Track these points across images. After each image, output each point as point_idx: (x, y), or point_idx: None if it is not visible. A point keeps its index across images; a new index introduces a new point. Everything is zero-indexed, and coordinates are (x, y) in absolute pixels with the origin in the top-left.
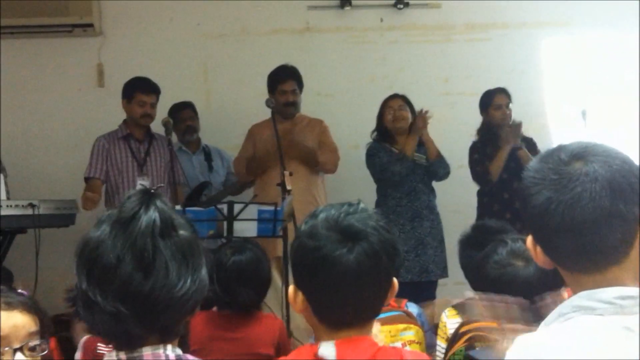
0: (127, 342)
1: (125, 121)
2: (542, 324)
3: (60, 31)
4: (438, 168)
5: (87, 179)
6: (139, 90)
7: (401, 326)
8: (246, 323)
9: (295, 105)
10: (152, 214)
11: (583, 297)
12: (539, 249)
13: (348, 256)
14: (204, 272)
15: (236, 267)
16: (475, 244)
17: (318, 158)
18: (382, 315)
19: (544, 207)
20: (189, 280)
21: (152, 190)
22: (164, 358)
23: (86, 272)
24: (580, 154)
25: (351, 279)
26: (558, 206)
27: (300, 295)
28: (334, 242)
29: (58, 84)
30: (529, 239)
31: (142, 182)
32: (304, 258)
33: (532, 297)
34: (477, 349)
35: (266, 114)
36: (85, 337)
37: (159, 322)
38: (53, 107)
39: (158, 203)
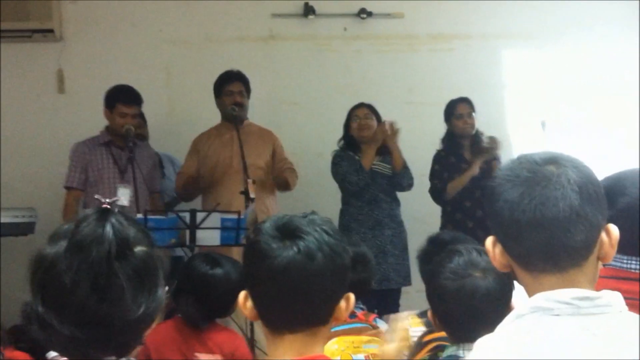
0: (83, 359)
1: (107, 127)
2: (500, 325)
3: (19, 36)
4: (402, 179)
5: (67, 188)
6: (120, 101)
7: (365, 338)
8: (207, 334)
9: (242, 106)
10: (108, 237)
11: (540, 298)
12: (498, 249)
13: (282, 252)
14: (160, 290)
15: (200, 278)
16: (431, 257)
17: (289, 184)
18: (345, 327)
19: (516, 202)
20: (144, 302)
21: (107, 207)
22: None
23: (41, 294)
24: (554, 158)
25: (285, 276)
26: (531, 202)
27: (249, 301)
28: (272, 237)
29: (17, 89)
30: (489, 240)
31: (123, 190)
32: (246, 252)
33: (491, 309)
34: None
35: None
36: None
37: (116, 343)
38: (11, 113)
39: (114, 221)
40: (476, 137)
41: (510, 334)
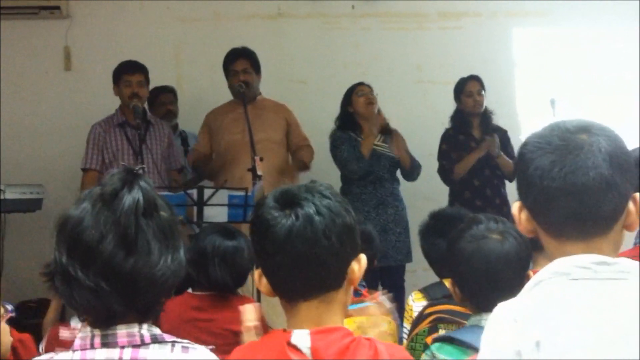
0: (105, 318)
1: (120, 107)
2: (522, 291)
3: (26, 13)
4: (413, 173)
5: (84, 170)
6: (123, 71)
7: (373, 317)
8: (221, 305)
9: (249, 83)
10: (136, 193)
11: (560, 264)
12: (525, 214)
13: (282, 221)
14: (182, 253)
15: (214, 245)
16: (436, 232)
17: (307, 164)
18: (355, 306)
19: (547, 169)
20: (169, 260)
21: (135, 171)
22: (138, 337)
23: (67, 247)
24: (586, 127)
25: (289, 244)
26: (561, 169)
27: (263, 277)
28: (272, 208)
29: (24, 67)
30: (516, 205)
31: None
32: (252, 228)
33: (508, 272)
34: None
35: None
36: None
37: (139, 300)
38: (19, 91)
39: (141, 183)
40: (485, 115)
41: (529, 298)
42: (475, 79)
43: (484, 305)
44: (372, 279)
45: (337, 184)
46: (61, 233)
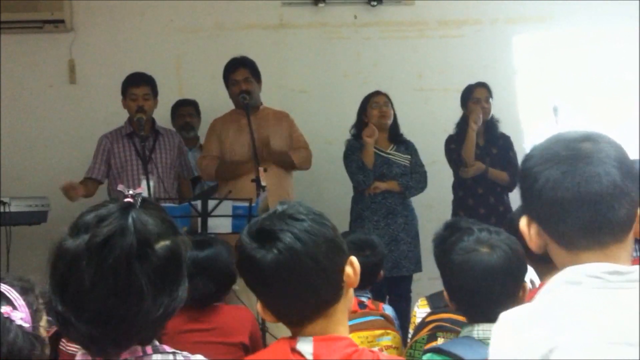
0: (104, 353)
1: (129, 118)
2: (533, 301)
3: (30, 27)
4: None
5: (86, 178)
6: (130, 84)
7: (378, 332)
8: (215, 314)
9: (249, 93)
10: (129, 238)
11: (570, 272)
12: (534, 229)
13: (266, 258)
14: (181, 288)
15: (192, 260)
16: (445, 241)
17: (294, 162)
18: (358, 320)
19: (559, 180)
20: (165, 301)
21: (130, 202)
22: (141, 353)
23: (60, 291)
24: (589, 136)
25: (279, 278)
26: (574, 179)
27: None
28: (253, 248)
29: (29, 80)
30: (523, 221)
31: (144, 183)
32: (240, 269)
33: (496, 284)
34: (440, 341)
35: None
36: None
37: (135, 340)
38: (24, 104)
39: (135, 218)
40: (491, 123)
41: (536, 305)
42: (483, 86)
43: (476, 316)
44: (379, 289)
45: (345, 194)
46: (54, 270)
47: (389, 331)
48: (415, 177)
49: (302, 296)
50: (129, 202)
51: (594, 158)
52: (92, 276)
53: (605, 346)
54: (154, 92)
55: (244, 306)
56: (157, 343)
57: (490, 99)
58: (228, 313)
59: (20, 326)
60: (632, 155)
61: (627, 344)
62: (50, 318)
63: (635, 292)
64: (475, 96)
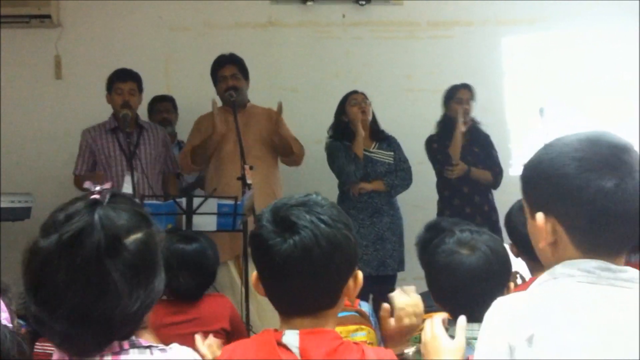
0: (83, 353)
1: (113, 113)
2: (528, 289)
3: (17, 22)
4: (402, 190)
5: (75, 176)
6: (116, 79)
7: (352, 327)
8: (194, 305)
9: (237, 89)
10: (97, 234)
11: (567, 266)
12: (551, 226)
13: (280, 246)
14: (157, 280)
15: (177, 254)
16: (429, 242)
17: (294, 150)
18: None
19: (612, 193)
20: (142, 295)
21: (96, 199)
22: (118, 348)
23: (33, 291)
24: (626, 147)
25: (285, 270)
26: (625, 193)
27: (261, 283)
28: (271, 231)
29: (14, 75)
30: (541, 217)
31: (128, 178)
32: (251, 242)
33: (477, 285)
34: None
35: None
36: None
37: (113, 335)
38: (9, 99)
39: (102, 214)
40: (473, 123)
41: (527, 295)
42: (467, 87)
43: (461, 314)
44: (364, 288)
45: (331, 193)
46: (28, 270)
47: (363, 327)
48: (400, 174)
49: (299, 293)
50: (94, 198)
51: (636, 172)
52: (64, 275)
53: (589, 340)
54: (140, 88)
55: (221, 294)
56: (133, 337)
57: (473, 102)
58: (206, 302)
59: (5, 326)
60: None
61: (613, 340)
62: (21, 321)
63: (623, 291)
64: (458, 96)
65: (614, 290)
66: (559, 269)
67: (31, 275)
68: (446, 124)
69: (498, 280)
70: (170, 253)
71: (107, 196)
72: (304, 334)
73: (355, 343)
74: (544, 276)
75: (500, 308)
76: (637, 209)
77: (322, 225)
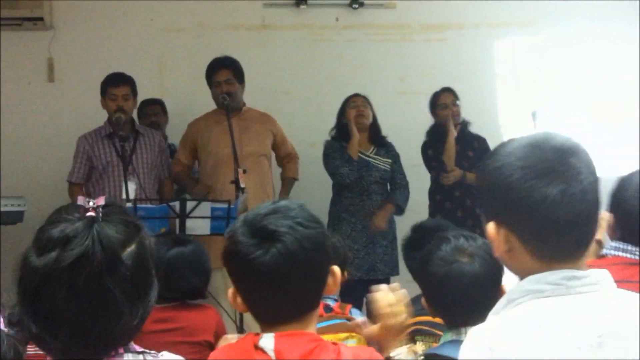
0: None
1: (108, 119)
2: (491, 313)
3: (9, 24)
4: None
5: (69, 183)
6: (109, 84)
7: (342, 335)
8: (180, 314)
9: (232, 94)
10: (98, 256)
11: (532, 281)
12: (503, 236)
13: (264, 258)
14: (152, 289)
15: (180, 256)
16: (416, 245)
17: (295, 178)
18: (323, 324)
19: (557, 200)
20: (140, 309)
21: (94, 214)
22: (113, 352)
23: (32, 312)
24: (572, 149)
25: (272, 280)
26: (571, 200)
27: (238, 297)
28: (250, 245)
29: (7, 78)
30: (492, 226)
31: (130, 184)
32: (229, 262)
33: (480, 293)
34: (420, 345)
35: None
36: None
37: (113, 348)
38: (2, 102)
39: (101, 232)
40: (463, 126)
41: (502, 321)
42: (447, 90)
43: (459, 322)
44: (359, 293)
45: (326, 194)
46: (24, 290)
47: (353, 334)
48: (403, 193)
49: (285, 300)
50: (91, 215)
51: (582, 175)
52: (65, 296)
53: (574, 351)
54: (134, 93)
55: (209, 305)
56: (129, 344)
57: (458, 102)
58: (194, 312)
59: (2, 330)
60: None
61: (592, 346)
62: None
63: (595, 295)
64: (441, 102)
65: (585, 297)
66: (526, 285)
67: (28, 296)
68: (437, 132)
69: (496, 284)
70: (172, 256)
71: (100, 212)
72: (279, 336)
73: (333, 343)
74: (513, 294)
75: (477, 339)
76: (586, 213)
77: (301, 228)
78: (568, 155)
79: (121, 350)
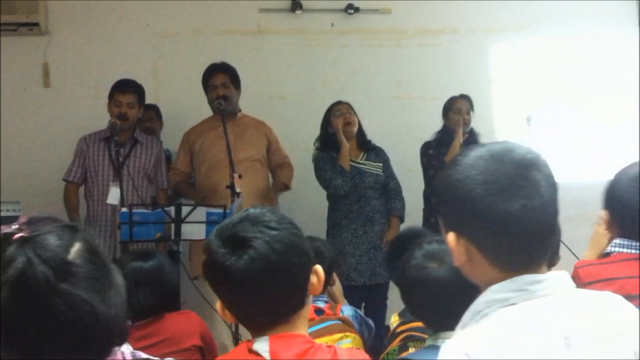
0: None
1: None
2: (458, 327)
3: (5, 30)
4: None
5: (65, 181)
6: (117, 90)
7: (337, 336)
8: (162, 325)
9: (227, 98)
10: (39, 270)
11: (495, 291)
12: (463, 247)
13: (237, 265)
14: (114, 272)
15: (134, 272)
16: (396, 256)
17: (288, 185)
18: (316, 327)
19: (520, 215)
20: (113, 296)
21: (22, 234)
22: (120, 355)
23: (6, 342)
24: (533, 162)
25: (249, 285)
26: (534, 214)
27: (226, 309)
28: (224, 254)
29: (3, 83)
30: (452, 237)
31: (114, 189)
32: (207, 273)
33: (449, 297)
34: (411, 351)
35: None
36: None
37: (107, 344)
38: None
39: (36, 247)
40: (471, 135)
41: (475, 332)
42: (465, 97)
43: (438, 326)
44: (358, 298)
45: (321, 201)
46: None
47: (347, 334)
48: (401, 201)
49: (268, 304)
50: (20, 236)
51: (543, 189)
52: (29, 316)
53: (542, 353)
54: (140, 102)
55: (187, 310)
56: (135, 351)
57: (471, 112)
58: (174, 321)
59: None
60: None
61: (565, 348)
62: None
63: (556, 297)
64: (456, 107)
65: (545, 301)
66: (489, 295)
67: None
68: (445, 134)
69: (466, 288)
70: (127, 272)
71: (28, 226)
72: (274, 338)
73: (329, 345)
74: (478, 305)
75: (452, 353)
76: (547, 225)
77: (271, 231)
78: (529, 169)
79: (129, 357)
